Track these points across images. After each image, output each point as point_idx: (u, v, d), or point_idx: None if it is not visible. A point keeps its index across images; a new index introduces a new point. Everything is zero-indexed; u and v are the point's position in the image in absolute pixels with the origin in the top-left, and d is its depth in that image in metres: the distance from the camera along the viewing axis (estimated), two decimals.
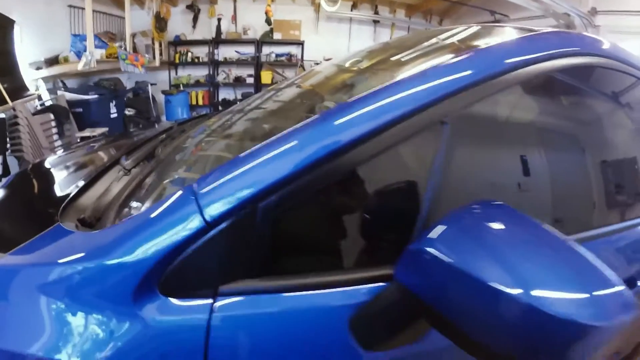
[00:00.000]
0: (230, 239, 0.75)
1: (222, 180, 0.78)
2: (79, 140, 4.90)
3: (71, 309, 0.73)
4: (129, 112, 6.25)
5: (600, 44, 1.27)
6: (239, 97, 8.26)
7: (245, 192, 0.75)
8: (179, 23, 7.62)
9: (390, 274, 0.75)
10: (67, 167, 1.72)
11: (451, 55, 1.01)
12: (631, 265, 1.28)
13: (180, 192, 0.81)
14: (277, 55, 8.15)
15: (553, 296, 0.58)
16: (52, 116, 4.77)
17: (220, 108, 8.01)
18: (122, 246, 0.74)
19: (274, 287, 0.77)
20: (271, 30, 7.86)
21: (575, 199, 1.23)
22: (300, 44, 8.06)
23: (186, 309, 0.74)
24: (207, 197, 0.76)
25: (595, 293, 0.59)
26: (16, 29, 4.05)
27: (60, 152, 2.19)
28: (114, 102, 5.71)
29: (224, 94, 8.40)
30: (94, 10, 5.05)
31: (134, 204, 1.03)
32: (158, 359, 0.72)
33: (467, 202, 0.76)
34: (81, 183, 1.26)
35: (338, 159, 0.79)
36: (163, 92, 7.43)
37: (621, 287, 0.61)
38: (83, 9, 5.08)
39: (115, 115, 5.78)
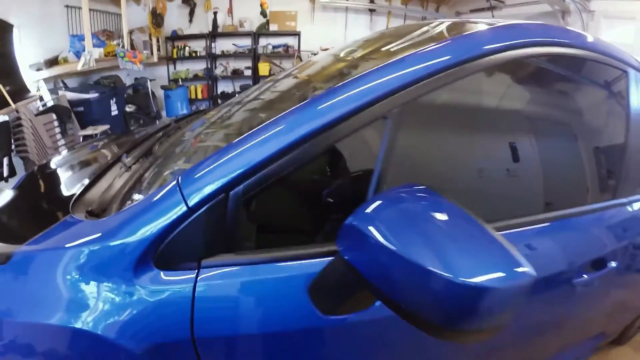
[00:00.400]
0: (209, 221, 0.91)
1: (200, 173, 0.95)
2: (81, 139, 5.00)
3: (84, 282, 0.90)
4: (129, 108, 6.31)
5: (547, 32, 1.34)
6: (238, 89, 8.33)
7: (218, 183, 0.91)
8: (175, 18, 7.64)
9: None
10: (72, 167, 1.90)
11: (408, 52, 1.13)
12: (602, 246, 1.42)
13: (168, 185, 0.97)
14: (274, 47, 8.17)
15: (469, 270, 0.66)
16: (54, 116, 4.85)
17: (219, 101, 8.11)
18: (124, 229, 0.92)
19: (246, 260, 0.94)
20: (267, 22, 7.89)
21: (518, 181, 1.35)
22: (297, 34, 8.09)
23: (175, 280, 0.90)
24: (189, 188, 0.93)
25: (499, 266, 0.69)
26: (15, 32, 4.10)
27: (64, 152, 2.30)
28: (114, 100, 5.78)
29: (223, 86, 8.45)
30: (90, 9, 5.09)
31: (133, 196, 1.19)
32: (155, 319, 0.88)
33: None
34: (87, 180, 1.42)
35: (294, 151, 0.94)
36: (162, 87, 7.50)
37: (518, 259, 0.70)
38: (80, 8, 5.12)
39: (116, 112, 5.85)
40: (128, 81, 6.73)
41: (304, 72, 1.90)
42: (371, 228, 0.76)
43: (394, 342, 1.03)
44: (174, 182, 0.96)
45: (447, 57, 1.08)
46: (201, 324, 0.89)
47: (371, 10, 8.46)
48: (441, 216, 0.76)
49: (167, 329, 0.89)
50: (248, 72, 8.25)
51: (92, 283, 0.90)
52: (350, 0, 8.20)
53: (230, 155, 0.95)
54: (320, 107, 0.99)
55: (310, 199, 1.09)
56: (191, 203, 0.90)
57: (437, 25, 1.53)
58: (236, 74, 8.23)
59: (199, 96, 8.17)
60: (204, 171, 0.95)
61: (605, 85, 1.57)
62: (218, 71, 8.20)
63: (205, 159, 0.99)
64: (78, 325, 0.87)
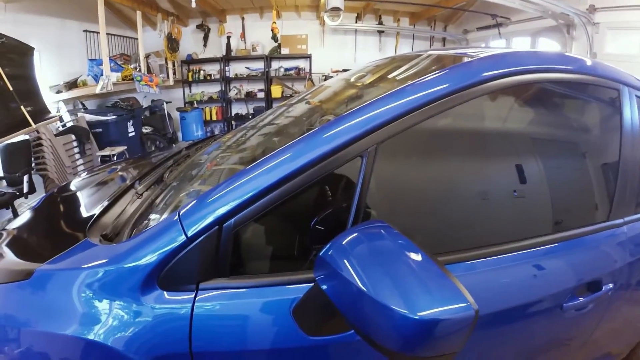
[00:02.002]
0: (205, 249, 1.02)
1: (197, 208, 1.06)
2: (99, 159, 5.16)
3: (97, 299, 1.02)
4: (146, 130, 6.51)
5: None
6: (251, 111, 8.52)
7: (213, 216, 1.02)
8: (190, 42, 7.94)
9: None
10: (90, 190, 2.03)
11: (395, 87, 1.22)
12: (596, 270, 1.41)
13: (170, 216, 1.09)
14: (285, 70, 8.39)
15: (422, 305, 0.74)
16: (73, 137, 5.04)
17: (233, 123, 8.27)
18: (133, 254, 1.03)
19: (238, 284, 1.04)
20: (279, 46, 8.12)
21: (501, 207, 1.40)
22: (308, 57, 8.30)
23: (177, 299, 1.01)
24: (187, 220, 1.04)
25: (447, 301, 0.76)
26: (36, 55, 4.29)
27: (83, 174, 2.42)
28: (131, 122, 5.98)
29: (237, 108, 8.66)
30: (107, 34, 5.32)
31: (143, 223, 1.32)
32: (158, 333, 0.99)
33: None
34: (102, 206, 1.57)
35: (278, 189, 1.04)
36: (178, 109, 7.71)
37: (464, 294, 0.77)
38: (98, 33, 5.35)
39: (133, 133, 6.04)
40: (145, 103, 6.96)
41: (315, 97, 2.03)
42: (344, 263, 0.84)
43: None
44: (176, 215, 1.07)
45: (446, 85, 1.15)
46: (198, 339, 1.00)
47: (380, 32, 8.65)
48: (402, 256, 0.84)
49: (169, 343, 0.99)
50: (261, 95, 8.46)
51: (104, 300, 1.02)
52: (359, 23, 8.39)
53: (222, 192, 1.06)
54: (300, 149, 1.09)
55: (293, 230, 1.19)
56: (190, 234, 1.01)
57: (438, 56, 1.63)
58: (249, 96, 8.44)
59: (214, 118, 8.38)
60: (201, 206, 1.06)
61: (600, 103, 1.61)
62: (232, 94, 8.43)
63: (203, 194, 1.10)
64: (90, 336, 0.98)
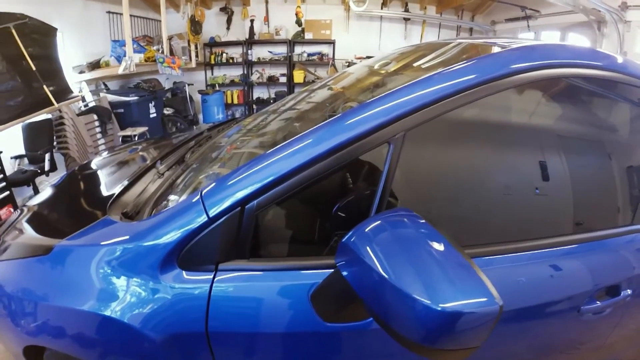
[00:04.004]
0: (226, 230, 1.02)
1: (220, 188, 1.06)
2: (120, 139, 5.24)
3: (115, 276, 1.04)
4: (167, 111, 6.57)
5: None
6: (273, 95, 8.52)
7: (235, 197, 1.02)
8: (213, 25, 7.93)
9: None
10: (111, 169, 2.07)
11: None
12: (616, 274, 1.36)
13: (193, 196, 1.09)
14: (308, 55, 8.33)
15: (445, 297, 0.72)
16: (95, 116, 5.13)
17: (254, 107, 8.29)
18: (154, 233, 1.05)
19: (257, 267, 1.04)
20: (302, 31, 8.04)
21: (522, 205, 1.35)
22: (332, 43, 8.19)
23: (195, 279, 1.02)
24: (209, 200, 1.04)
25: (472, 294, 0.74)
26: (59, 35, 4.36)
27: (104, 153, 2.48)
28: (152, 103, 6.04)
29: (258, 93, 8.67)
30: (131, 15, 5.36)
31: (164, 202, 1.34)
32: (175, 312, 1.00)
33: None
34: (123, 183, 1.62)
35: (301, 172, 1.02)
36: (199, 91, 7.75)
37: (489, 289, 0.75)
38: (121, 14, 5.39)
39: (155, 115, 6.11)
40: (167, 85, 7.01)
41: (338, 84, 2.00)
42: (367, 249, 0.82)
43: (388, 351, 1.06)
44: (198, 195, 1.08)
45: (475, 75, 1.12)
46: (215, 319, 1.00)
47: (406, 19, 8.49)
48: (426, 245, 0.82)
49: (185, 321, 1.01)
50: (283, 79, 8.45)
51: (122, 277, 1.04)
52: (385, 9, 8.24)
53: (246, 174, 1.05)
54: (324, 133, 1.07)
55: (314, 215, 1.18)
56: (212, 214, 1.01)
57: (467, 46, 1.57)
58: (271, 80, 8.43)
59: (235, 101, 8.41)
60: (224, 187, 1.06)
61: (630, 103, 1.54)
62: (254, 77, 8.42)
63: (226, 175, 1.10)
64: (107, 313, 1.01)
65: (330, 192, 1.16)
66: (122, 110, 5.61)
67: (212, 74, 8.35)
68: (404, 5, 8.30)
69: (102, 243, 1.11)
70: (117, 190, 1.55)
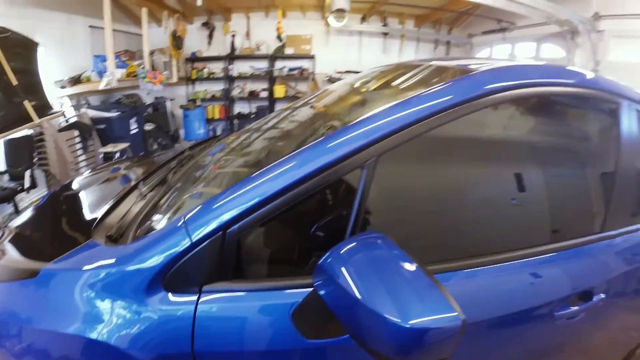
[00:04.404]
0: (209, 254, 1.06)
1: (202, 213, 1.10)
2: (101, 156, 5.14)
3: (101, 299, 1.05)
4: (148, 127, 6.47)
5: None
6: (254, 110, 8.51)
7: (217, 222, 1.06)
8: (195, 40, 7.91)
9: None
10: (93, 189, 2.04)
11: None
12: (589, 278, 1.44)
13: (176, 221, 1.12)
14: (289, 70, 8.35)
15: (413, 315, 0.79)
16: (76, 132, 5.02)
17: (236, 122, 8.26)
18: (139, 257, 1.07)
19: (239, 287, 1.08)
20: (283, 46, 8.10)
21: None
22: (312, 57, 8.28)
23: (180, 301, 1.04)
24: (192, 225, 1.08)
25: (436, 311, 0.81)
26: (40, 50, 4.27)
27: (86, 172, 2.43)
28: (134, 118, 5.96)
29: (239, 107, 8.64)
30: (112, 30, 5.29)
31: (147, 224, 1.34)
32: (161, 333, 1.02)
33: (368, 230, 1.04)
34: (107, 206, 1.61)
35: (279, 198, 1.07)
36: (181, 107, 7.71)
37: (452, 305, 0.82)
38: (103, 28, 5.33)
39: (136, 130, 6.03)
40: (148, 100, 6.92)
41: (320, 102, 2.05)
42: (342, 270, 0.89)
43: None
44: (182, 220, 1.11)
45: (448, 98, 1.19)
46: (200, 339, 1.03)
47: (384, 34, 8.63)
48: (396, 266, 0.89)
49: (172, 342, 1.02)
50: (264, 94, 8.44)
51: (108, 301, 1.05)
52: (364, 24, 8.39)
53: (227, 199, 1.10)
54: (303, 159, 1.13)
55: (294, 236, 1.23)
56: (194, 238, 1.05)
57: (442, 66, 1.65)
58: (253, 95, 8.43)
59: (217, 116, 8.35)
60: (206, 212, 1.10)
61: (600, 116, 1.64)
62: (235, 92, 8.41)
63: (208, 200, 1.14)
64: (93, 335, 1.01)
65: (309, 213, 1.20)
66: (103, 126, 5.51)
67: (194, 89, 8.30)
68: (382, 20, 8.48)
69: (88, 267, 1.12)
70: (100, 212, 1.55)
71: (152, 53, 6.56)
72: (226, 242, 1.06)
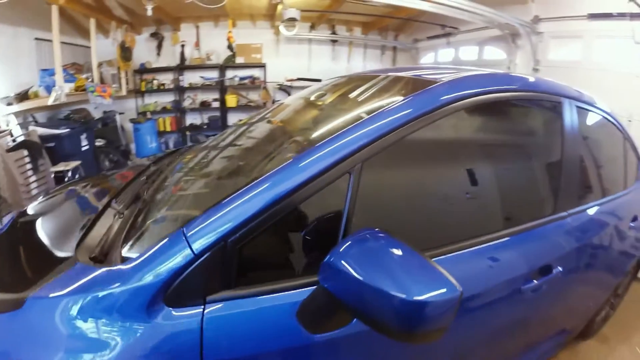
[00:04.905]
0: (212, 264, 1.07)
1: (202, 225, 1.11)
2: (53, 175, 4.83)
3: (103, 323, 1.01)
4: (98, 142, 6.16)
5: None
6: (206, 120, 8.35)
7: (219, 232, 1.08)
8: (143, 51, 7.64)
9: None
10: (56, 212, 1.92)
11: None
12: (547, 255, 1.67)
13: (174, 234, 1.12)
14: (240, 79, 8.28)
15: (416, 291, 0.88)
16: (25, 152, 4.68)
17: (188, 133, 8.05)
18: (139, 274, 1.05)
19: (244, 294, 1.10)
20: (234, 55, 8.01)
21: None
22: (263, 66, 8.25)
23: (185, 315, 1.05)
24: (193, 237, 1.08)
25: (436, 286, 0.91)
26: None
27: (40, 197, 2.24)
28: (84, 135, 5.64)
29: (191, 119, 8.43)
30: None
31: (135, 242, 1.32)
32: (168, 352, 1.01)
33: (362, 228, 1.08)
34: (83, 226, 1.54)
35: (276, 206, 1.13)
36: (131, 120, 7.40)
37: (450, 280, 0.92)
38: (49, 41, 5.03)
39: (87, 147, 5.70)
40: (96, 114, 6.58)
41: (279, 117, 2.15)
42: (343, 263, 0.96)
43: (368, 350, 1.25)
44: (179, 232, 1.11)
45: (404, 113, 1.34)
46: (209, 349, 1.04)
47: (333, 41, 8.78)
48: (393, 252, 0.98)
49: (180, 357, 1.02)
50: (216, 104, 8.31)
51: (109, 323, 1.01)
52: (313, 32, 8.49)
53: (227, 209, 1.13)
54: (296, 168, 1.20)
55: (291, 240, 1.26)
56: (197, 250, 1.06)
57: (396, 78, 1.83)
58: (204, 105, 8.26)
59: (168, 128, 8.11)
60: (206, 223, 1.11)
61: (545, 114, 1.90)
62: (186, 103, 8.20)
63: (206, 211, 1.16)
64: None
65: (304, 218, 1.24)
66: (53, 144, 5.16)
67: (143, 102, 7.99)
68: (331, 27, 8.62)
69: (83, 291, 1.07)
70: (77, 234, 1.48)
71: (99, 65, 6.26)
72: (228, 251, 1.08)
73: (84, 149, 5.63)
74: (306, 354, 1.15)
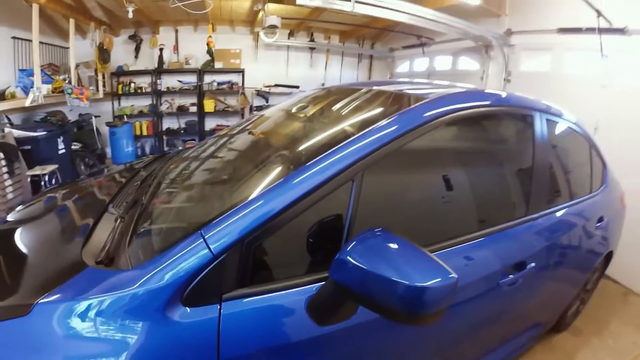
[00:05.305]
0: (229, 263, 1.14)
1: (221, 227, 1.18)
2: (29, 179, 4.67)
3: (119, 325, 1.03)
4: (74, 146, 5.98)
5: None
6: (183, 125, 8.24)
7: (236, 234, 1.15)
8: (121, 53, 7.49)
9: (327, 275, 1.12)
10: (37, 223, 1.87)
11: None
12: (520, 252, 1.83)
13: (192, 236, 1.18)
14: (218, 84, 8.24)
15: (418, 278, 0.98)
16: (1, 155, 4.50)
17: (164, 138, 7.93)
18: (157, 276, 1.09)
19: (258, 291, 1.18)
20: (212, 60, 7.95)
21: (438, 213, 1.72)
22: (241, 72, 8.23)
23: (203, 313, 1.10)
24: (212, 239, 1.15)
25: (435, 273, 1.01)
26: None
27: (19, 207, 2.17)
28: (61, 138, 5.45)
29: (168, 123, 8.30)
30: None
31: (144, 245, 1.39)
32: (187, 350, 1.07)
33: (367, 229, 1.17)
34: (84, 232, 1.55)
35: (289, 210, 1.21)
36: (107, 124, 7.21)
37: (446, 268, 1.03)
38: (27, 40, 4.89)
39: (64, 150, 5.51)
40: (71, 117, 6.39)
41: (263, 128, 2.28)
42: (352, 258, 1.04)
43: (370, 338, 1.36)
44: (197, 234, 1.18)
45: (394, 128, 1.46)
46: (226, 345, 1.10)
47: (311, 49, 8.87)
48: (395, 246, 1.08)
49: (198, 355, 1.08)
50: (193, 109, 8.21)
51: (128, 324, 1.04)
52: (292, 39, 8.54)
53: (244, 213, 1.20)
54: (301, 178, 1.28)
55: (302, 242, 1.32)
56: (215, 250, 1.12)
57: (376, 92, 2.03)
58: (181, 110, 8.15)
59: (144, 132, 7.94)
60: (225, 225, 1.18)
61: (518, 126, 2.11)
62: (163, 107, 8.08)
63: (225, 215, 1.22)
64: None
65: (314, 219, 1.32)
66: (29, 147, 4.97)
67: (120, 105, 7.81)
68: (309, 35, 8.72)
69: (96, 294, 1.08)
70: (81, 239, 1.48)
71: (76, 67, 6.10)
72: (244, 252, 1.15)
73: (60, 152, 5.44)
74: (315, 345, 1.24)
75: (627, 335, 3.18)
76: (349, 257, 1.04)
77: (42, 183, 4.76)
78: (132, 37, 7.48)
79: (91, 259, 1.30)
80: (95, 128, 6.72)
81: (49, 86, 5.34)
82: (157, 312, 1.06)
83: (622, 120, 3.98)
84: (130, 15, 5.50)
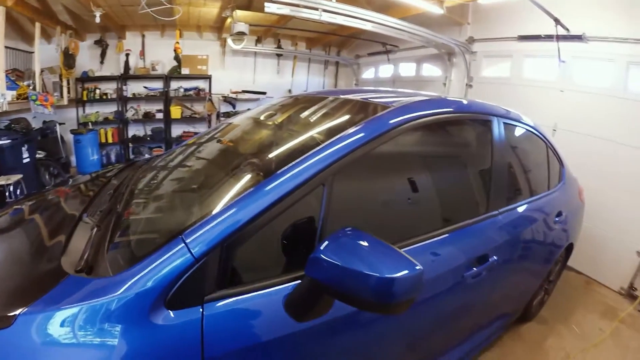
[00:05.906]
0: (210, 266, 1.19)
1: (202, 231, 1.22)
2: None
3: (107, 331, 1.06)
4: (38, 154, 5.74)
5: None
6: (149, 132, 8.07)
7: (218, 238, 1.21)
8: (86, 59, 7.26)
9: (303, 273, 1.19)
10: (10, 234, 1.83)
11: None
12: (482, 247, 1.96)
13: (173, 241, 1.22)
14: (185, 90, 8.14)
15: (387, 270, 1.06)
16: None
17: (130, 145, 7.75)
18: (141, 281, 1.13)
19: (238, 292, 1.24)
20: (179, 65, 7.85)
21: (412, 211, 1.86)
22: (208, 78, 8.17)
23: (185, 315, 1.15)
24: (193, 243, 1.19)
25: (402, 266, 1.09)
26: None
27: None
28: (25, 146, 5.24)
29: (134, 130, 8.11)
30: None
31: (123, 251, 1.42)
32: (172, 352, 1.11)
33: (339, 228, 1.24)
34: (59, 241, 1.54)
35: (268, 212, 1.29)
36: (72, 131, 6.96)
37: (412, 261, 1.11)
38: None
39: (28, 159, 5.29)
40: (35, 124, 6.14)
41: (234, 136, 2.36)
42: (326, 256, 1.11)
43: (346, 332, 1.45)
44: (178, 239, 1.22)
45: (362, 135, 1.56)
46: (210, 345, 1.15)
47: (278, 55, 8.92)
48: (365, 243, 1.16)
49: (183, 356, 1.12)
50: (160, 115, 8.06)
51: (114, 330, 1.06)
52: (259, 46, 8.56)
53: (222, 218, 1.25)
54: (276, 183, 1.36)
55: (278, 243, 1.38)
56: (197, 254, 1.17)
57: (343, 101, 2.14)
58: (148, 117, 7.98)
59: (110, 140, 7.71)
60: (206, 229, 1.23)
61: (477, 130, 2.24)
62: (129, 114, 7.88)
63: (205, 220, 1.27)
64: None
65: (288, 222, 1.38)
66: None
67: (84, 112, 7.54)
68: (276, 42, 8.76)
69: (85, 301, 1.09)
70: (58, 249, 1.47)
71: (41, 72, 5.88)
72: (224, 254, 1.21)
73: (25, 161, 5.23)
74: (294, 341, 1.31)
75: (592, 322, 3.40)
76: (322, 255, 1.11)
77: (7, 193, 4.57)
78: (98, 42, 7.27)
79: (71, 267, 1.29)
80: (59, 136, 6.49)
81: (14, 92, 5.12)
82: (142, 317, 1.09)
83: (579, 122, 4.25)
84: (98, 19, 5.38)
